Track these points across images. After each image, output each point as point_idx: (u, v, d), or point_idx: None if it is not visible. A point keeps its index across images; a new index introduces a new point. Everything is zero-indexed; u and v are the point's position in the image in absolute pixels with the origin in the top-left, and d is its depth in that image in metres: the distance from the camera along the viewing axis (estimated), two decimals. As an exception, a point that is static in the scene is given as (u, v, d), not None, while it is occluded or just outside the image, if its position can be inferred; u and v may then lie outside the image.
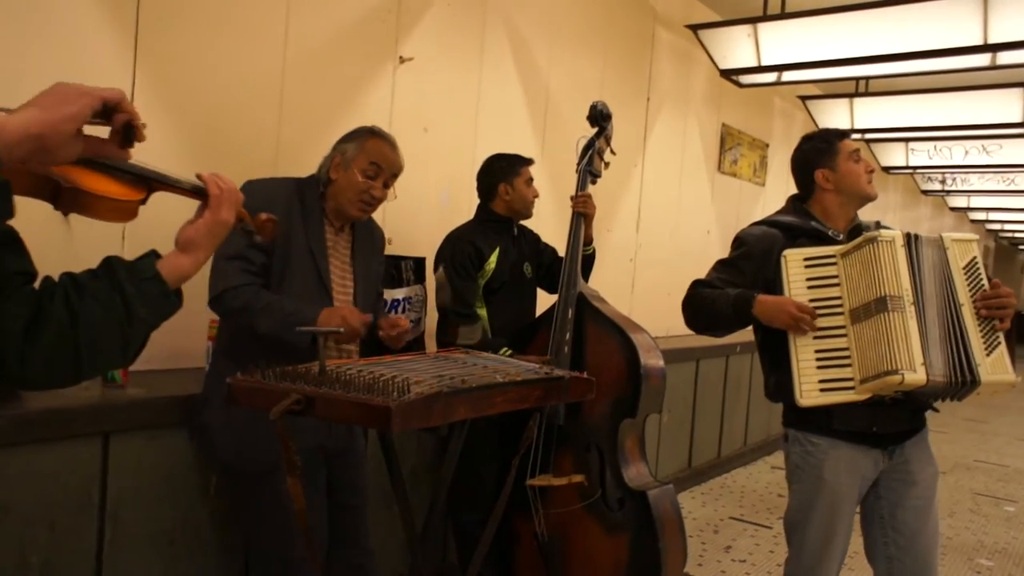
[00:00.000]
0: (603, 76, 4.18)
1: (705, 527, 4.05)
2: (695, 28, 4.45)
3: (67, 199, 1.05)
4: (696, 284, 2.20)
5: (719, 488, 4.82)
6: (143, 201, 1.14)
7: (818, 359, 2.00)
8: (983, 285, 1.95)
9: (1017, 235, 15.09)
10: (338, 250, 2.11)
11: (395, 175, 2.12)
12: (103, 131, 1.04)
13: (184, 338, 2.28)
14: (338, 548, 2.13)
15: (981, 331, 1.92)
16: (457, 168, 3.33)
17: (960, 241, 1.99)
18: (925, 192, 9.00)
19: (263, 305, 1.90)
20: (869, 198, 2.20)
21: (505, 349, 2.57)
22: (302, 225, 2.02)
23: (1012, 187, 7.98)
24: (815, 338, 2.01)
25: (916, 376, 1.85)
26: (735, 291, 2.09)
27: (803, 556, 2.11)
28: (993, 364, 1.90)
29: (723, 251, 2.32)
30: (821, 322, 2.02)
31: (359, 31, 2.86)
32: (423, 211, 3.18)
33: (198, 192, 1.19)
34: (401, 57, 3.00)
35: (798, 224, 2.17)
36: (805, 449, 2.09)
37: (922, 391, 1.93)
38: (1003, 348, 1.92)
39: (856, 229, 2.16)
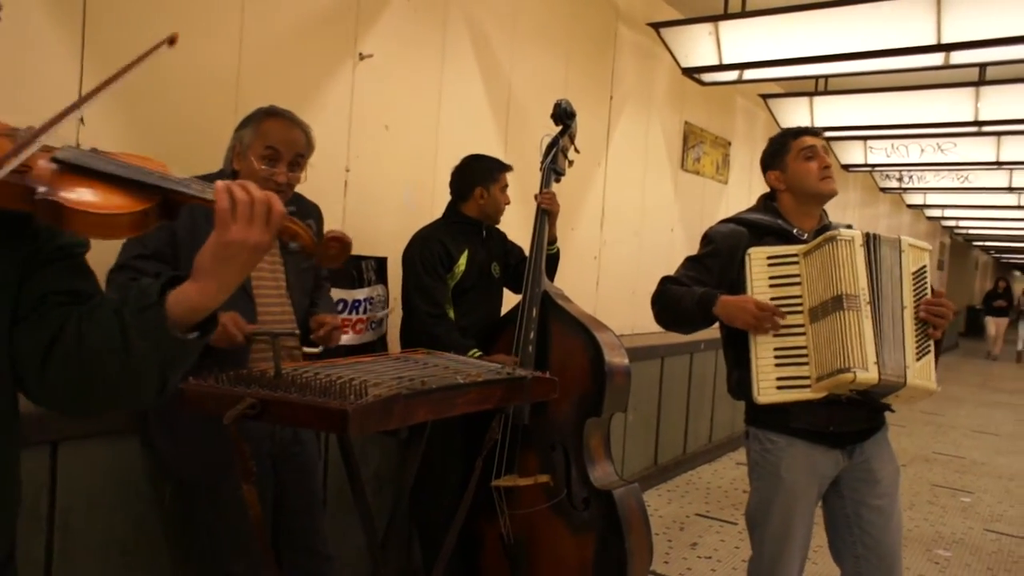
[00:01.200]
0: (566, 74, 4.17)
1: (671, 524, 4.07)
2: (657, 26, 4.46)
3: (44, 211, 0.90)
4: (665, 280, 2.21)
5: (685, 485, 4.85)
6: (153, 212, 0.96)
7: (776, 357, 2.01)
8: (926, 294, 1.99)
9: (971, 232, 15.44)
10: None
11: (301, 155, 1.97)
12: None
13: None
14: (293, 555, 2.08)
15: (916, 336, 1.95)
16: (419, 166, 3.29)
17: (916, 247, 2.03)
18: (883, 190, 9.17)
19: None
20: (823, 194, 2.17)
21: (474, 351, 2.55)
22: (206, 224, 2.01)
23: (966, 184, 8.15)
24: (774, 336, 2.02)
25: (868, 375, 1.87)
26: (701, 290, 2.10)
27: (764, 552, 2.13)
28: (920, 370, 1.93)
29: (687, 249, 2.33)
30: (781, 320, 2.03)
31: (317, 27, 2.81)
32: (385, 210, 3.13)
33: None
34: (361, 54, 2.96)
35: (765, 222, 2.17)
36: (764, 447, 2.11)
37: (875, 390, 1.94)
38: (931, 357, 1.96)
39: (823, 229, 2.16)
